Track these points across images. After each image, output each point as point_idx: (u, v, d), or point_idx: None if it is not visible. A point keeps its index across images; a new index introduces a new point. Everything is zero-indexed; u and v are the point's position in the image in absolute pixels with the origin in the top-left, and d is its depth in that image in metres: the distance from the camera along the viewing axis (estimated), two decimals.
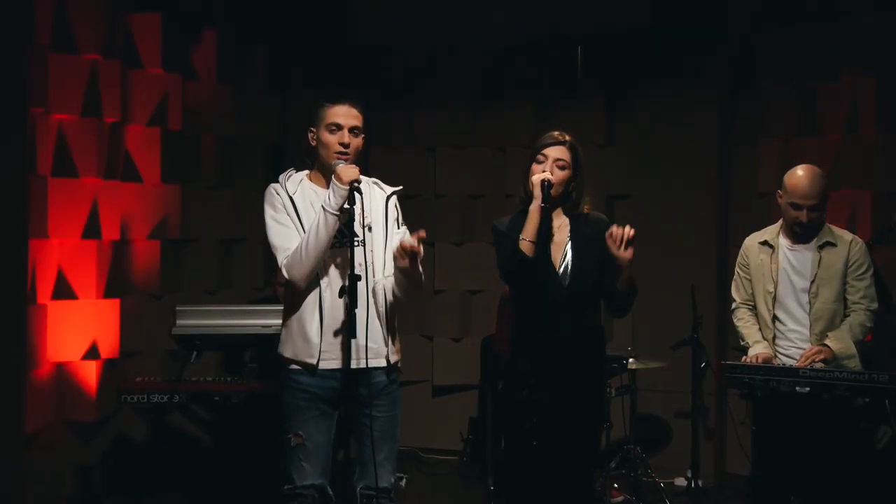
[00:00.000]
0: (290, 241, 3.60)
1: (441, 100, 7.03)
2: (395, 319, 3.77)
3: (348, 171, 3.53)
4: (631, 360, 5.68)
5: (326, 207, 3.52)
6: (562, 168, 3.84)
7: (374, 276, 3.65)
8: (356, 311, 3.49)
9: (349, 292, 3.49)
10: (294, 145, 5.75)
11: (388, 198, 3.74)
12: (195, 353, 4.89)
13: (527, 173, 3.85)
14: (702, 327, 5.73)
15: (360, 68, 6.94)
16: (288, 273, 3.59)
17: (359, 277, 3.51)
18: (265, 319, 4.92)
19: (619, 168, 6.78)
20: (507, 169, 6.87)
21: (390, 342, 3.70)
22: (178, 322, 4.98)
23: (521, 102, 6.89)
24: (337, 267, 3.66)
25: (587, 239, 3.86)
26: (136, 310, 5.64)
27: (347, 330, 3.49)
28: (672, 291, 6.23)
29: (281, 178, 3.75)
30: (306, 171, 3.76)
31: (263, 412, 4.86)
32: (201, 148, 6.11)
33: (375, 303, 3.62)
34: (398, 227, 3.78)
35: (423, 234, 3.48)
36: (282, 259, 3.59)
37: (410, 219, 6.85)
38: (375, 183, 3.80)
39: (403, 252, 3.51)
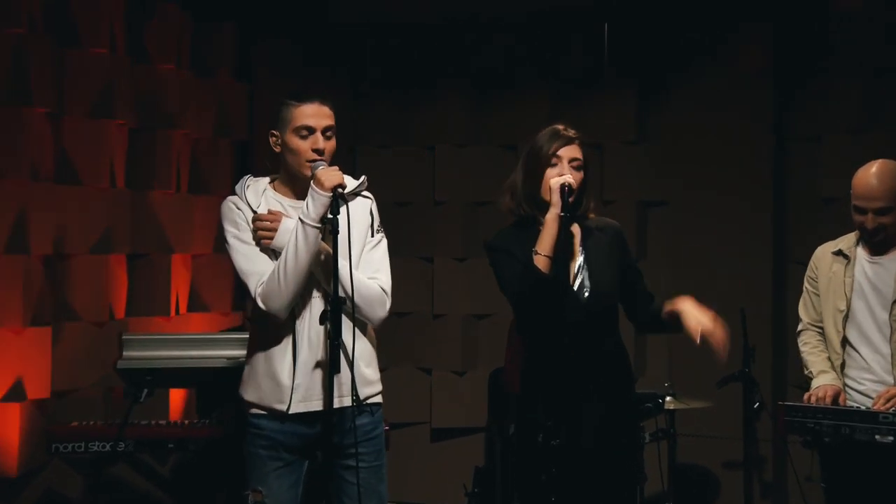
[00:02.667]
0: (261, 263, 3.62)
1: (441, 89, 7.06)
2: (370, 340, 3.83)
3: (330, 174, 3.56)
4: (668, 398, 5.65)
5: (305, 219, 3.54)
6: (578, 169, 3.91)
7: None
8: (340, 340, 3.50)
9: (332, 318, 3.47)
10: (263, 144, 5.85)
11: (371, 205, 3.83)
12: (146, 391, 4.84)
13: (528, 178, 3.90)
14: (754, 360, 5.69)
15: (343, 51, 7.00)
16: (265, 303, 3.59)
17: (343, 301, 3.51)
18: (234, 349, 4.89)
19: (653, 170, 6.79)
20: (515, 171, 6.68)
21: (367, 370, 3.75)
22: (126, 353, 4.95)
23: (536, 92, 6.91)
24: (317, 289, 3.67)
25: (601, 248, 3.94)
26: (74, 340, 5.59)
27: (330, 364, 3.48)
28: (718, 314, 6.03)
29: (239, 188, 3.76)
30: (268, 179, 3.78)
31: (228, 462, 4.82)
32: (156, 145, 6.13)
33: (359, 329, 3.66)
34: (372, 235, 3.80)
35: None
36: (254, 286, 3.60)
37: (404, 230, 6.79)
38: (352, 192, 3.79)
39: None
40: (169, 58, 6.17)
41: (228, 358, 4.89)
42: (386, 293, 3.75)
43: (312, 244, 3.57)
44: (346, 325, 3.60)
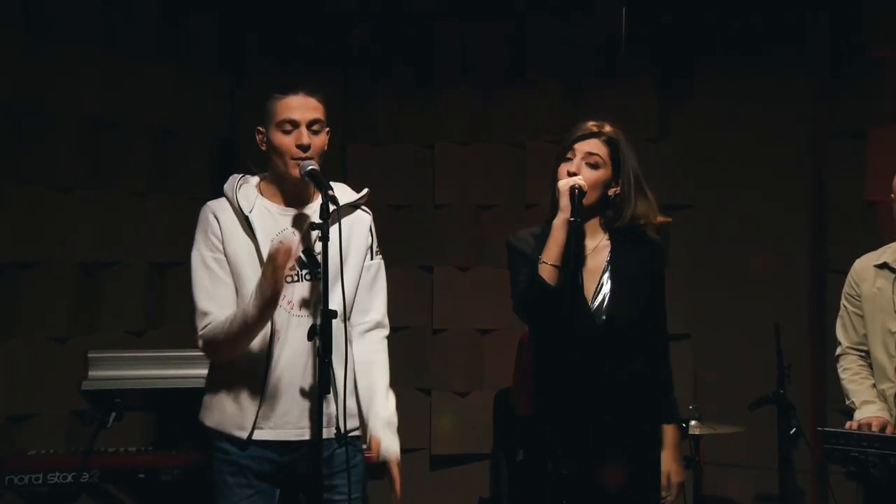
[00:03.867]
0: (217, 299, 3.64)
1: (442, 81, 7.04)
2: (352, 368, 3.88)
3: (282, 258, 3.49)
4: (693, 422, 5.63)
5: (247, 308, 3.57)
6: (594, 166, 3.88)
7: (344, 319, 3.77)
8: (330, 358, 3.50)
9: (321, 333, 3.46)
10: (248, 141, 6.12)
11: (370, 223, 3.90)
12: (113, 414, 4.85)
13: (553, 175, 3.91)
14: (790, 380, 5.66)
15: (337, 41, 7.00)
16: (205, 349, 3.66)
17: (334, 314, 3.49)
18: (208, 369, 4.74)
19: (676, 169, 6.74)
20: (528, 171, 6.89)
21: (349, 400, 3.80)
22: (91, 373, 4.95)
23: (546, 84, 6.90)
24: (298, 304, 3.68)
25: (631, 264, 3.92)
26: (31, 358, 5.59)
27: (319, 384, 3.48)
28: (749, 332, 6.27)
29: (228, 188, 3.74)
30: (258, 179, 3.80)
31: (204, 494, 4.52)
32: (125, 141, 6.15)
33: (330, 346, 3.61)
34: (371, 258, 3.85)
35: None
36: (200, 325, 3.63)
37: (402, 236, 6.85)
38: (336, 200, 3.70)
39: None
40: (141, 45, 6.19)
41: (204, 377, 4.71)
42: (384, 328, 3.89)
43: (258, 322, 3.58)
44: (336, 347, 3.61)
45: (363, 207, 3.86)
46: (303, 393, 3.67)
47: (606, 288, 3.91)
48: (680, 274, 6.49)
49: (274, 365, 3.67)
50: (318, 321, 3.51)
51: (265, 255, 3.58)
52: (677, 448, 3.98)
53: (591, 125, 3.93)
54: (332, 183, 3.70)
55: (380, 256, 3.89)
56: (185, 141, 6.48)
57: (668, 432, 3.98)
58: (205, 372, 4.61)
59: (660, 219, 4.00)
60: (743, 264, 6.51)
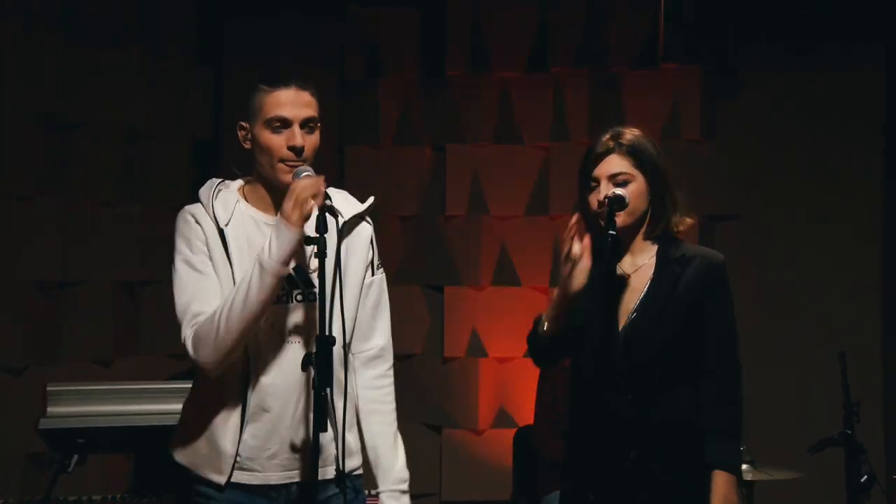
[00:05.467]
0: (205, 298, 3.59)
1: (455, 73, 7.04)
2: (352, 399, 3.82)
3: (305, 189, 3.50)
4: (745, 467, 5.33)
5: (265, 262, 3.48)
6: (624, 185, 3.82)
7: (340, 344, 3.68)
8: (327, 391, 3.43)
9: (318, 363, 3.39)
10: (230, 142, 6.72)
11: (371, 235, 3.83)
12: (75, 457, 4.68)
13: (582, 204, 3.85)
14: (859, 419, 5.47)
15: (332, 25, 7.01)
16: (194, 350, 3.54)
17: (332, 341, 3.41)
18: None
19: (722, 175, 6.72)
20: (552, 177, 6.87)
21: (349, 436, 3.72)
22: (50, 409, 4.73)
23: (574, 77, 6.88)
24: (288, 330, 3.61)
25: (665, 285, 3.84)
26: None
27: (315, 421, 3.42)
28: (808, 364, 6.21)
29: (204, 194, 3.68)
30: (239, 184, 3.73)
31: None
32: (90, 142, 6.16)
33: (330, 378, 3.53)
34: (372, 273, 3.78)
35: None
36: (188, 325, 3.56)
37: (407, 251, 6.82)
38: (336, 202, 3.70)
39: None
40: (109, 32, 6.20)
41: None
42: (390, 357, 3.81)
43: (268, 293, 3.49)
44: (337, 374, 3.60)
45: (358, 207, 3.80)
46: (293, 429, 3.59)
47: (635, 313, 3.86)
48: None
49: (254, 397, 3.59)
50: (314, 349, 3.45)
51: (237, 278, 3.56)
52: (726, 500, 3.82)
53: (605, 140, 3.83)
54: (332, 190, 3.66)
55: (381, 271, 3.82)
56: (158, 142, 6.50)
57: (718, 481, 3.83)
58: (180, 407, 4.50)
59: (689, 220, 3.94)
60: (799, 285, 6.49)
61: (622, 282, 3.85)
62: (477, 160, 7.01)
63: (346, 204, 3.72)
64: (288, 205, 3.47)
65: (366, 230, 3.79)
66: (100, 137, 6.13)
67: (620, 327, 3.86)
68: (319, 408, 3.40)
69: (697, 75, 6.73)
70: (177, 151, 6.54)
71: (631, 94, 6.69)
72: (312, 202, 3.48)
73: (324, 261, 3.46)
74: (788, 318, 6.34)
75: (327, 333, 3.42)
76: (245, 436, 3.59)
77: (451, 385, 6.97)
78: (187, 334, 3.56)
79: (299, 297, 3.60)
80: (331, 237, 3.51)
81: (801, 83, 6.56)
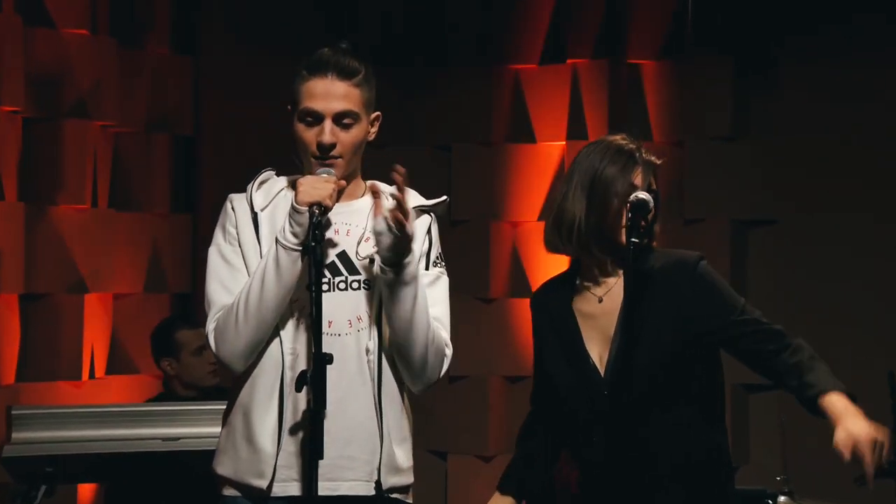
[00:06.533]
0: (231, 291, 3.67)
1: (460, 66, 7.01)
2: (405, 409, 3.81)
3: (314, 185, 3.57)
4: (783, 499, 5.32)
5: (280, 238, 3.57)
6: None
7: (379, 338, 3.68)
8: (324, 412, 3.42)
9: (313, 382, 3.40)
10: (212, 139, 6.49)
11: (430, 225, 3.84)
12: (43, 487, 4.62)
13: (599, 211, 3.75)
14: None
15: (329, 13, 7.01)
16: (216, 345, 3.62)
17: (329, 358, 3.41)
18: (170, 426, 4.75)
19: (755, 177, 6.68)
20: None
21: (397, 450, 3.70)
22: (15, 435, 4.68)
23: (593, 70, 6.85)
24: (341, 320, 3.63)
25: (656, 304, 3.73)
26: None
27: (311, 445, 3.43)
28: (855, 384, 5.84)
29: (250, 185, 3.78)
30: (292, 178, 3.79)
31: None
32: (61, 140, 6.13)
33: (379, 385, 3.64)
34: (427, 267, 3.74)
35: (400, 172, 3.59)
36: (211, 321, 3.65)
37: None
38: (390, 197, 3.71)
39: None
40: (79, 20, 6.16)
41: (164, 438, 4.73)
42: (447, 347, 3.75)
43: (287, 274, 3.54)
44: (386, 375, 3.64)
45: (425, 206, 3.85)
46: (339, 434, 3.56)
47: (616, 338, 3.79)
48: (758, 306, 6.30)
49: (288, 398, 3.60)
50: (369, 340, 3.55)
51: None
52: (855, 410, 3.75)
53: (654, 160, 3.80)
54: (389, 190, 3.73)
55: (441, 268, 3.79)
56: (134, 140, 6.50)
57: (834, 403, 3.79)
58: (160, 431, 4.69)
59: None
60: (843, 298, 6.45)
61: (595, 308, 3.79)
62: (485, 161, 7.01)
63: (411, 198, 3.72)
64: (303, 186, 3.52)
65: (422, 220, 3.79)
66: (70, 134, 6.11)
67: (602, 358, 3.81)
68: (316, 432, 3.40)
69: (729, 67, 6.68)
70: (154, 149, 6.52)
71: (655, 88, 6.68)
72: (320, 189, 3.52)
73: (321, 269, 3.49)
74: (831, 334, 6.11)
75: (321, 350, 3.41)
76: (281, 437, 3.61)
77: (457, 406, 6.94)
78: (210, 328, 3.63)
79: (341, 286, 3.64)
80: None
81: (847, 75, 6.50)
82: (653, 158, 3.84)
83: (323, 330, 3.57)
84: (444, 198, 3.83)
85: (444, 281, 3.80)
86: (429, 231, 3.78)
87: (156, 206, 6.38)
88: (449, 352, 3.76)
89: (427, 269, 3.75)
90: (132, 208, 6.36)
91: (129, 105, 6.38)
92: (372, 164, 6.87)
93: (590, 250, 3.80)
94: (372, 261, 3.71)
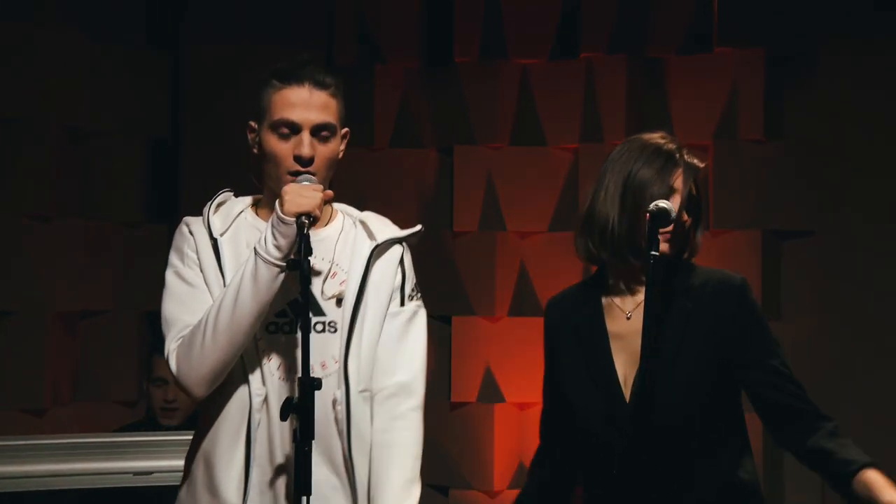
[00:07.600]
0: (193, 311, 3.65)
1: (464, 59, 7.01)
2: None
3: (301, 194, 3.57)
4: None
5: (260, 250, 3.52)
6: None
7: (347, 386, 3.63)
8: (311, 445, 3.39)
9: (301, 413, 3.39)
10: (192, 142, 6.55)
11: (402, 255, 3.83)
12: None
13: (633, 216, 3.69)
14: None
15: (317, 2, 7.09)
16: (176, 367, 3.58)
17: (318, 384, 3.39)
18: (144, 459, 4.81)
19: (791, 182, 6.66)
20: (582, 184, 6.83)
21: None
22: None
23: (608, 64, 6.87)
24: (284, 365, 3.61)
25: (686, 320, 3.71)
26: None
27: (296, 482, 3.38)
28: None
29: (207, 207, 3.79)
30: (252, 199, 3.83)
31: None
32: (25, 144, 6.23)
33: (348, 438, 3.59)
34: (402, 303, 3.75)
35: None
36: (172, 342, 3.63)
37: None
38: (364, 223, 3.80)
39: None
40: (46, 13, 6.28)
41: (136, 472, 4.77)
42: (413, 395, 3.75)
43: (265, 290, 3.51)
44: (357, 428, 3.60)
45: (395, 232, 3.85)
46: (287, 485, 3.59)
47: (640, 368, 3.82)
48: (793, 324, 6.48)
49: (256, 441, 3.58)
50: (296, 394, 3.43)
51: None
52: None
53: (697, 163, 3.74)
54: (367, 214, 3.76)
55: (418, 301, 3.78)
56: (105, 144, 6.56)
57: (870, 479, 3.62)
58: (133, 464, 4.73)
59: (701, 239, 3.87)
60: (885, 311, 6.43)
61: (622, 326, 3.74)
62: (491, 165, 7.02)
63: (382, 227, 3.78)
64: (289, 195, 3.50)
65: (394, 253, 3.79)
66: (33, 137, 6.22)
67: (627, 381, 3.75)
68: (301, 467, 3.36)
69: (761, 61, 6.67)
70: (128, 153, 6.62)
71: (678, 85, 6.72)
72: (309, 199, 3.51)
73: (307, 287, 3.47)
74: (874, 352, 6.35)
75: (309, 375, 3.40)
76: (251, 487, 3.58)
77: (460, 436, 6.99)
78: (171, 348, 3.60)
79: (317, 328, 3.67)
80: (357, 262, 3.61)
81: (886, 70, 6.49)
82: (696, 161, 3.77)
83: (285, 377, 3.61)
84: (419, 227, 3.83)
85: (422, 316, 3.81)
86: (401, 262, 3.77)
87: (129, 215, 6.44)
88: (415, 399, 3.75)
89: (403, 304, 3.76)
90: (101, 218, 6.45)
91: (100, 104, 6.45)
92: (369, 166, 6.81)
93: (625, 258, 3.73)
94: (339, 300, 3.70)
